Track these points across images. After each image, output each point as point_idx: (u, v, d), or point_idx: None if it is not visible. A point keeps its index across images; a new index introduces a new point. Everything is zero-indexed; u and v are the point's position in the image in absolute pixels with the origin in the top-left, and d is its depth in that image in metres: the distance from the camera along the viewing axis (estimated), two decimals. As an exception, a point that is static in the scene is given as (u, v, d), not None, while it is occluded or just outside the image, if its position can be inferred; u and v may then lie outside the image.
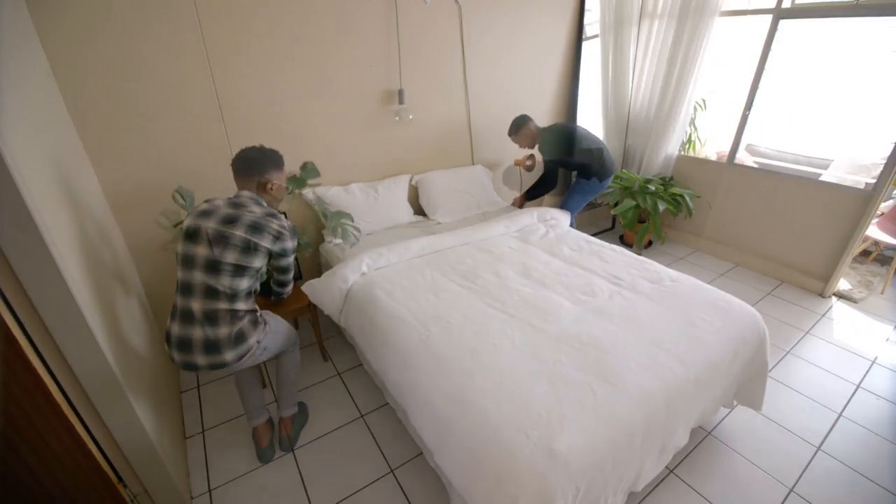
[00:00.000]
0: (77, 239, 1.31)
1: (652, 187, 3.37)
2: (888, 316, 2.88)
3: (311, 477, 1.79)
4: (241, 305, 1.49)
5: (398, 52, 2.54)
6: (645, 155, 3.76)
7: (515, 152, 3.37)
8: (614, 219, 4.16)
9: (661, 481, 1.75)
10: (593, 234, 3.18)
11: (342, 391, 2.22)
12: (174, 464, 1.62)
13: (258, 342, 1.57)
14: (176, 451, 1.74)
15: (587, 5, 3.23)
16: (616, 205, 3.43)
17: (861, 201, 2.79)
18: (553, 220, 2.78)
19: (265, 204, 1.58)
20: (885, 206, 3.33)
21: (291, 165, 2.24)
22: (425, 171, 2.94)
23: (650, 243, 3.87)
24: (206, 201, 1.54)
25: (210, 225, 1.43)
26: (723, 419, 2.03)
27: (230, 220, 1.44)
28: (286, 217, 1.67)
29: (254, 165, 1.56)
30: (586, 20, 3.29)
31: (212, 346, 1.45)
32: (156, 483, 1.51)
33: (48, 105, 1.52)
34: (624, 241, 3.88)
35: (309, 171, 2.19)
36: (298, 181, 2.15)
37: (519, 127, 2.82)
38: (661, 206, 3.25)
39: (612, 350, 1.59)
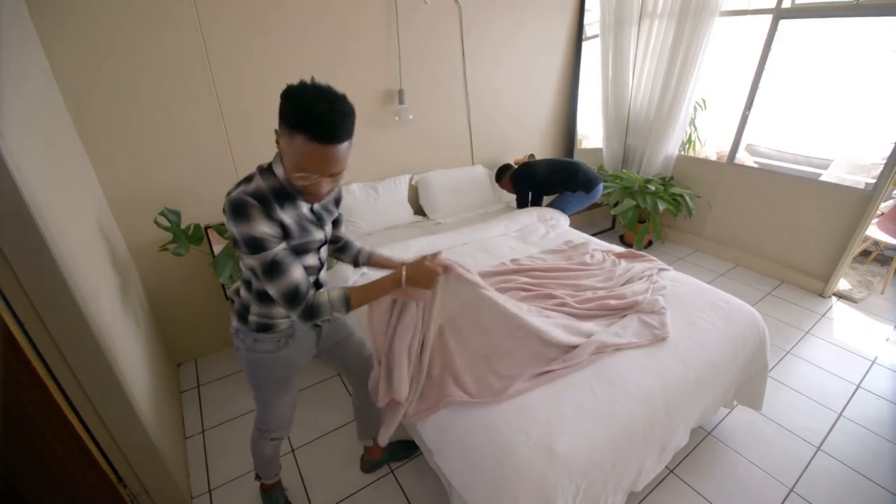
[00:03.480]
0: (77, 239, 1.31)
1: (652, 187, 3.37)
2: (888, 316, 2.88)
3: (311, 477, 1.79)
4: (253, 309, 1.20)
5: (398, 52, 2.54)
6: (645, 155, 3.76)
7: (516, 152, 3.37)
8: (614, 219, 4.16)
9: (661, 481, 1.75)
10: (593, 234, 3.17)
11: (342, 391, 2.22)
12: (174, 464, 1.62)
13: (239, 338, 1.24)
14: (176, 451, 1.74)
15: (587, 5, 3.23)
16: (616, 205, 3.42)
17: (861, 201, 2.79)
18: (553, 220, 2.78)
19: (272, 168, 1.06)
20: (885, 206, 3.33)
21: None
22: (425, 171, 2.94)
23: (650, 243, 3.87)
24: None
25: None
26: (723, 419, 2.04)
27: None
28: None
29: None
30: (586, 20, 3.29)
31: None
32: (156, 483, 1.51)
33: (47, 104, 1.52)
34: (624, 241, 3.88)
35: None
36: None
37: (501, 175, 3.03)
38: (661, 206, 3.25)
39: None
